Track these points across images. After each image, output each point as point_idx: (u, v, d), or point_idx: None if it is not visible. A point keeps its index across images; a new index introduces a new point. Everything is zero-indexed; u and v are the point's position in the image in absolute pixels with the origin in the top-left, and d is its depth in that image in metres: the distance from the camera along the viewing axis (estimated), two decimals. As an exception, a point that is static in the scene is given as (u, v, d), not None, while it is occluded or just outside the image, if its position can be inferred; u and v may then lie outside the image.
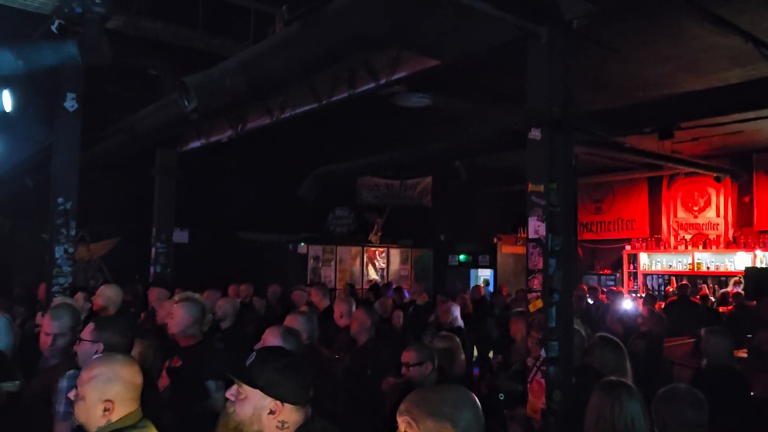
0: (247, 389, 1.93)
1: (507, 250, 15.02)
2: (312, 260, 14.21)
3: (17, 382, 3.37)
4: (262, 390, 1.92)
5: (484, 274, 15.05)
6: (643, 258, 14.17)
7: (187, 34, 6.44)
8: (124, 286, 5.91)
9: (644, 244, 14.19)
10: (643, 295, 11.89)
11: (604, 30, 6.07)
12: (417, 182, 14.65)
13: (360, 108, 8.14)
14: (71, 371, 2.87)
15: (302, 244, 14.02)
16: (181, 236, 11.02)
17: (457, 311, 6.58)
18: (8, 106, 6.67)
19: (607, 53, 6.66)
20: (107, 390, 2.25)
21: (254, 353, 2.06)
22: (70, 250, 6.13)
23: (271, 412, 1.91)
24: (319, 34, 4.89)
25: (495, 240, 14.96)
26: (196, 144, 10.00)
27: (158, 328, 4.83)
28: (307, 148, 11.53)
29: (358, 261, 15.01)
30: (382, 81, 6.42)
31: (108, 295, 5.14)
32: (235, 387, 1.96)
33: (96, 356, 2.59)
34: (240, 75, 5.57)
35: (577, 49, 5.00)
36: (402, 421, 1.80)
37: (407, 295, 10.16)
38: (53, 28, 5.52)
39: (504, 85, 7.57)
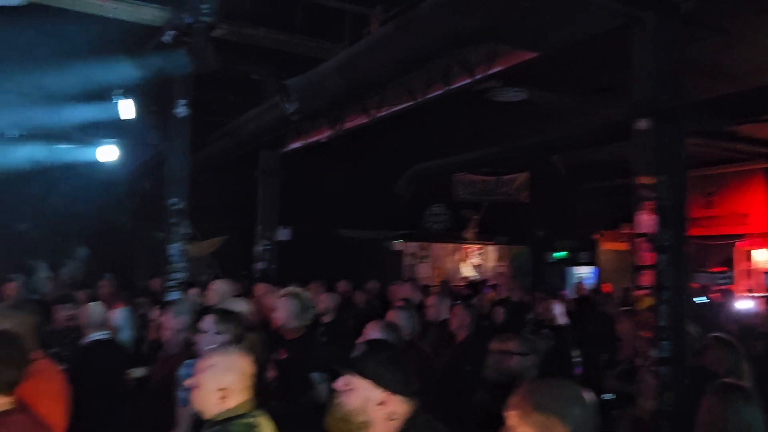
0: (355, 380, 1.94)
1: (609, 246, 14.47)
2: (408, 257, 14.31)
3: (145, 368, 3.64)
4: (372, 381, 1.94)
5: (583, 271, 14.57)
6: (761, 254, 13.20)
7: (286, 38, 6.68)
8: (234, 281, 6.18)
9: (761, 240, 13.21)
10: (762, 294, 11.09)
11: (716, 13, 5.71)
12: (513, 178, 14.38)
13: (455, 104, 8.10)
14: (189, 360, 3.06)
15: (399, 241, 14.14)
16: (284, 234, 11.41)
17: (558, 309, 6.42)
18: (131, 113, 7.19)
19: (718, 37, 6.27)
20: (223, 379, 2.32)
21: (362, 345, 2.10)
22: (184, 247, 6.50)
23: (381, 403, 1.92)
24: (413, 33, 4.92)
25: (597, 236, 14.44)
26: (296, 145, 10.31)
27: (264, 322, 5.03)
28: (403, 145, 11.60)
29: (453, 258, 14.97)
30: (478, 76, 6.38)
31: (220, 290, 5.40)
32: (344, 378, 1.98)
33: (212, 347, 2.75)
34: (338, 76, 5.71)
35: (685, 34, 4.75)
36: (511, 415, 1.74)
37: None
38: (168, 39, 5.87)
39: (603, 77, 7.31)
